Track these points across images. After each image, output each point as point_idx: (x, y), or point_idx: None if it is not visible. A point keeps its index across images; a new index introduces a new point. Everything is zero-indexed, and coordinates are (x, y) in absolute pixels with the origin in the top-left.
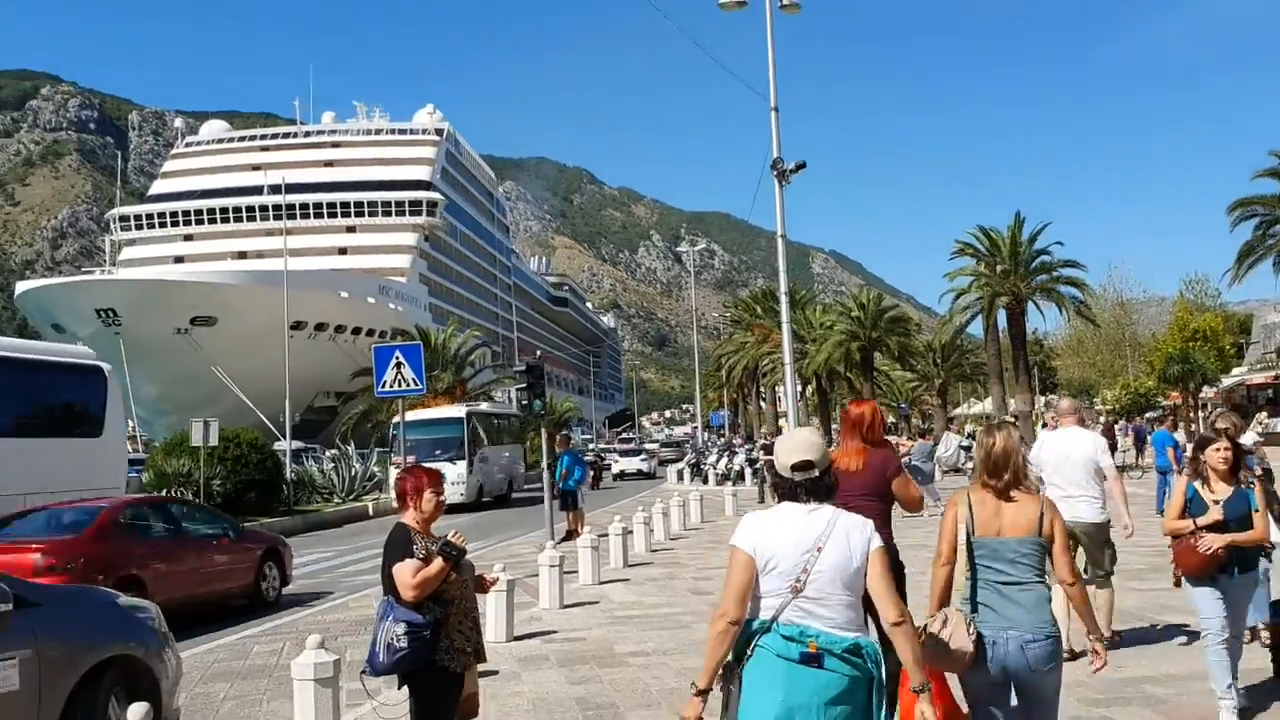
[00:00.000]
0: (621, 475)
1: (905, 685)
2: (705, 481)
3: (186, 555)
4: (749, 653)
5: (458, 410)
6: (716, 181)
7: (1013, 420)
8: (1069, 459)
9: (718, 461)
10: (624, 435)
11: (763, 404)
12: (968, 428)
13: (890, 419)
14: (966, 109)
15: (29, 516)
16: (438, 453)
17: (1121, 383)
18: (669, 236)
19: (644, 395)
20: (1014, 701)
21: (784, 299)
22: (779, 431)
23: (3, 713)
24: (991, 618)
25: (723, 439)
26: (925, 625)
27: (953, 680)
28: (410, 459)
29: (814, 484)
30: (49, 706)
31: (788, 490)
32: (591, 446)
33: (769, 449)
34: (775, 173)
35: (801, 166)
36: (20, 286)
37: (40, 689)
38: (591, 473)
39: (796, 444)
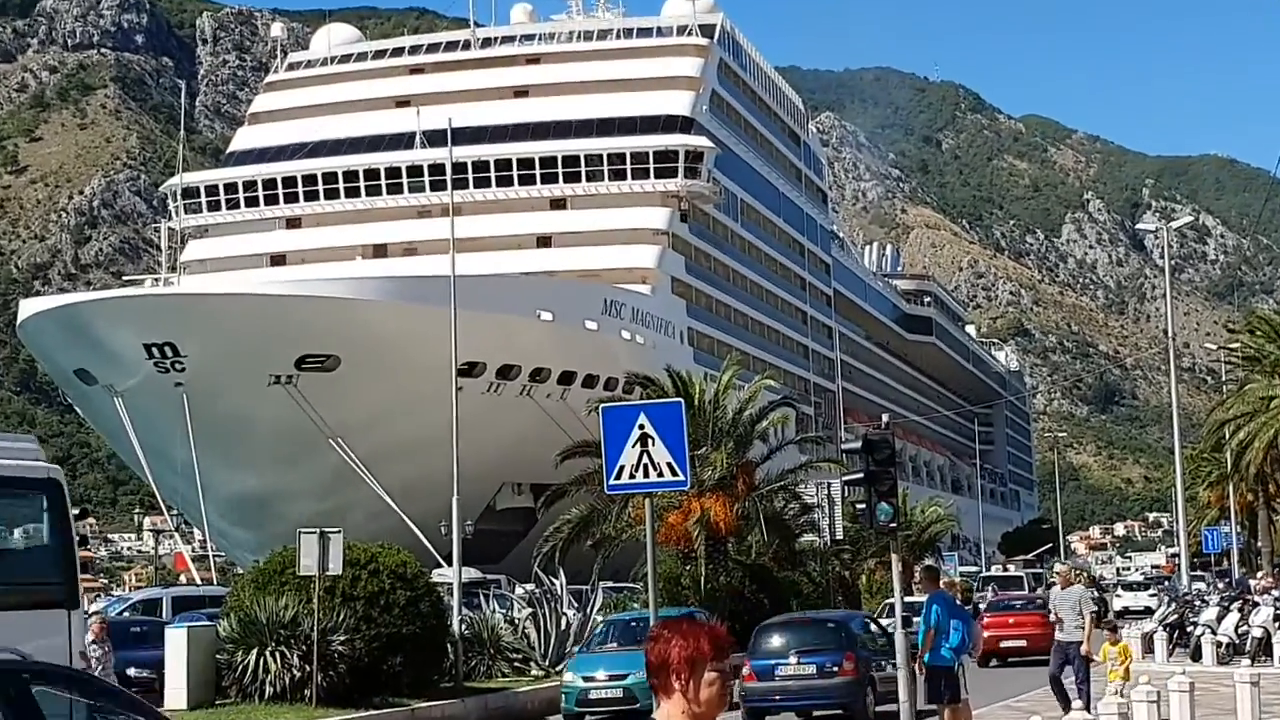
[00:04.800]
0: (1126, 612)
1: None
2: (1196, 656)
3: None
4: None
5: None
6: (1208, 109)
7: None
8: None
9: (1218, 620)
10: (1011, 571)
11: None
12: None
13: None
14: None
15: None
16: None
17: None
18: (1120, 203)
19: (1076, 493)
20: None
21: None
22: None
23: None
24: None
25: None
26: None
27: None
28: None
29: None
30: None
31: None
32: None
33: None
34: None
35: None
36: (25, 307)
37: None
38: (983, 632)
39: None
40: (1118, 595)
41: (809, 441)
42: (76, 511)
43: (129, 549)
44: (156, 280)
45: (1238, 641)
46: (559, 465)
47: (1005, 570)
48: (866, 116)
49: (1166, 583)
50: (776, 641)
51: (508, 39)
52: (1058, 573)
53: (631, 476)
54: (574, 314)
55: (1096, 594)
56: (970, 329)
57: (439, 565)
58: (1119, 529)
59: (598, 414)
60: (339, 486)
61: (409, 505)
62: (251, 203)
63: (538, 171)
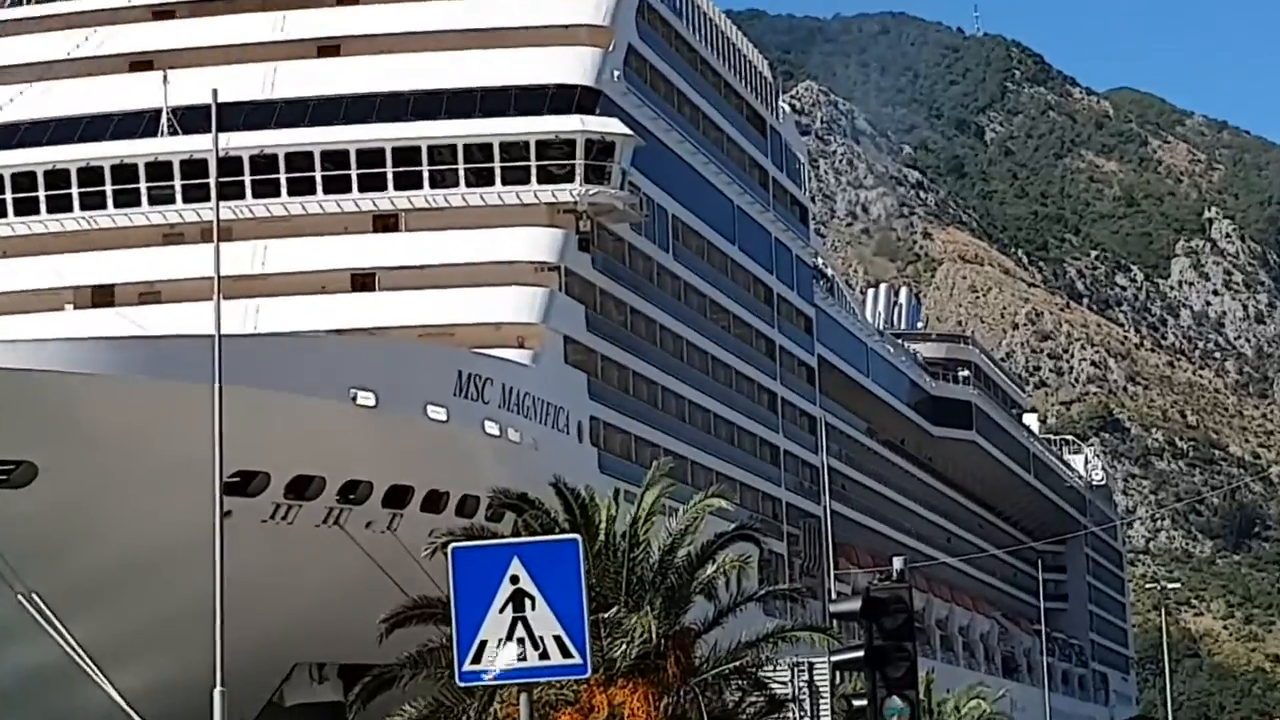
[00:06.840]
0: None
1: None
2: None
3: None
4: None
5: None
6: None
7: None
8: None
9: None
10: None
11: None
12: None
13: None
14: None
15: None
16: None
17: None
18: (1259, 224)
19: (1195, 677)
20: None
21: None
22: None
23: None
24: None
25: None
26: None
27: None
28: None
29: None
30: None
31: None
32: None
33: None
34: None
35: None
36: None
37: None
38: None
39: None
40: None
41: (780, 598)
42: None
43: None
44: None
45: None
46: (384, 637)
47: None
48: (869, 89)
49: None
50: None
51: None
52: None
53: (496, 659)
54: (410, 396)
55: None
56: (1031, 420)
57: None
58: None
59: (445, 555)
60: (39, 669)
61: (146, 701)
62: None
63: (354, 172)
